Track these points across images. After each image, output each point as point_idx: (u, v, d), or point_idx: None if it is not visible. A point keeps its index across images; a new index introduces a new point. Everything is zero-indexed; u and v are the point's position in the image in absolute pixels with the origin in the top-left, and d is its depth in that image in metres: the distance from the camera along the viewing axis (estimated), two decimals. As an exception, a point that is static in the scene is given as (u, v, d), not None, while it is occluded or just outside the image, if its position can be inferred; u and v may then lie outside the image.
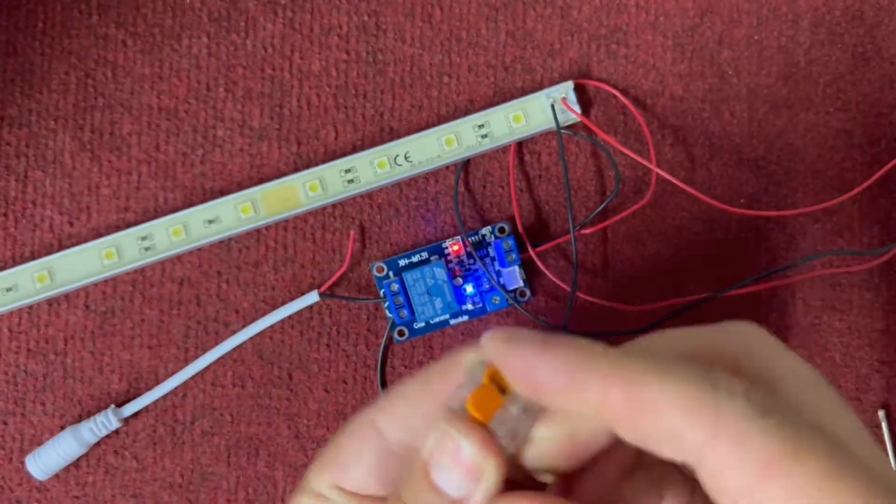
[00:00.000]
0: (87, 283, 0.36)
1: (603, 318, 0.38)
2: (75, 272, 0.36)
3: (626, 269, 0.38)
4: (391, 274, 0.37)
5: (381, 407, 0.20)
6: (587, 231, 0.38)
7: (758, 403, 0.15)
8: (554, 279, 0.37)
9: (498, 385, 0.17)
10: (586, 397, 0.16)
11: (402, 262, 0.37)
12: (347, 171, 0.37)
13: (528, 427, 0.17)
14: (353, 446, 0.20)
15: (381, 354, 0.37)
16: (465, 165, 0.38)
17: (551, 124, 0.37)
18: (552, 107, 0.37)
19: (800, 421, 0.15)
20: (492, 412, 0.17)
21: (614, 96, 0.38)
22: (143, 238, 0.36)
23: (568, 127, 0.37)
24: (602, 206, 0.37)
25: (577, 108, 0.37)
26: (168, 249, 0.36)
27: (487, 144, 0.37)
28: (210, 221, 0.36)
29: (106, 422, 0.36)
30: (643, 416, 0.16)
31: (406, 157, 0.37)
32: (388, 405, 0.20)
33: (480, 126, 0.37)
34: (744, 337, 0.18)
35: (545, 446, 0.17)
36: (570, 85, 0.37)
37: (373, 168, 0.37)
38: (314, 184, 0.36)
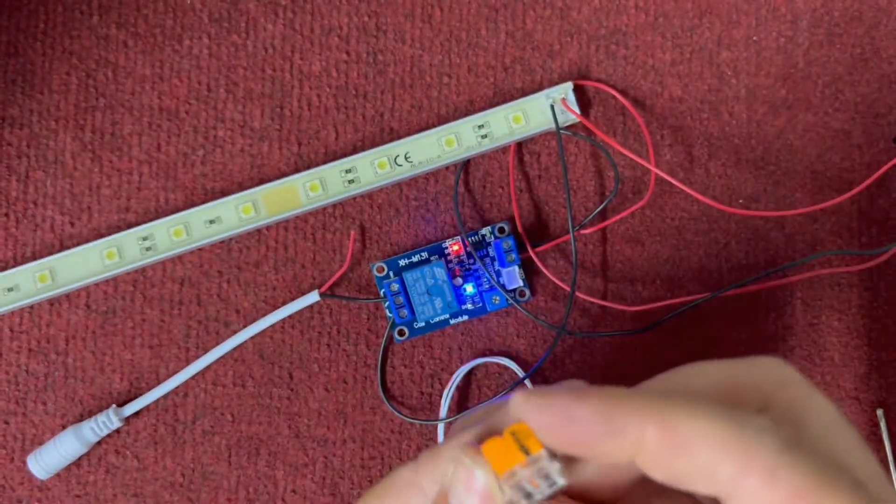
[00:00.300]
0: (88, 282, 0.36)
1: (602, 318, 0.38)
2: (76, 272, 0.36)
3: (625, 269, 0.38)
4: (391, 274, 0.37)
5: (420, 463, 0.20)
6: (586, 231, 0.38)
7: (785, 439, 0.16)
8: (553, 279, 0.37)
9: (521, 445, 0.17)
10: (623, 442, 0.17)
11: (402, 262, 0.37)
12: (348, 171, 0.37)
13: (544, 493, 0.17)
14: (395, 501, 0.20)
15: (381, 354, 0.37)
16: (465, 166, 0.38)
17: (551, 125, 0.37)
18: (552, 107, 0.37)
19: (825, 456, 0.16)
20: (507, 467, 0.17)
21: (613, 97, 0.38)
22: (144, 238, 0.36)
23: (567, 127, 0.37)
24: (601, 207, 0.38)
25: (577, 109, 0.37)
26: (169, 249, 0.36)
27: (487, 145, 0.37)
28: (211, 221, 0.37)
29: (107, 421, 0.36)
30: (678, 454, 0.16)
31: (406, 158, 0.37)
32: (428, 461, 0.20)
33: (480, 126, 0.37)
34: (773, 373, 0.18)
35: (589, 474, 0.18)
36: (569, 86, 0.37)
37: (373, 168, 0.37)
38: (315, 184, 0.37)
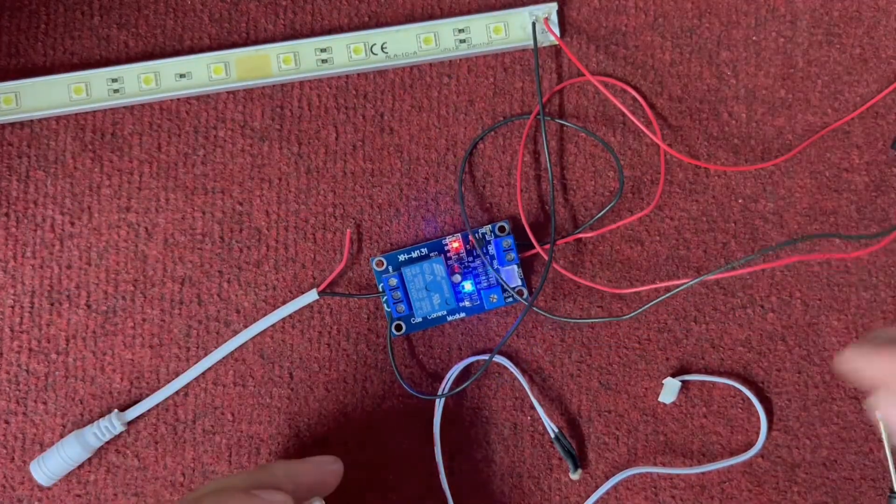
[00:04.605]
0: (50, 113, 0.37)
1: (592, 301, 0.38)
2: (42, 101, 0.36)
3: (625, 269, 0.38)
4: (391, 268, 0.37)
5: None
6: (587, 234, 0.38)
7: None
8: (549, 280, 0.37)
9: None
10: None
11: (401, 258, 0.37)
12: (323, 50, 0.37)
13: None
14: None
15: (388, 343, 0.37)
16: (468, 157, 0.38)
17: (529, 41, 0.37)
18: (533, 25, 0.37)
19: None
20: None
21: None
22: (114, 80, 0.36)
23: (562, 117, 0.37)
24: (602, 213, 0.38)
25: (558, 32, 0.37)
26: (136, 96, 0.36)
27: (465, 50, 0.37)
28: (181, 76, 0.36)
29: (110, 426, 0.36)
30: None
31: (383, 48, 0.37)
32: None
33: (460, 30, 0.37)
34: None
35: None
36: (553, 6, 0.37)
37: (348, 52, 0.37)
38: (288, 56, 0.37)
